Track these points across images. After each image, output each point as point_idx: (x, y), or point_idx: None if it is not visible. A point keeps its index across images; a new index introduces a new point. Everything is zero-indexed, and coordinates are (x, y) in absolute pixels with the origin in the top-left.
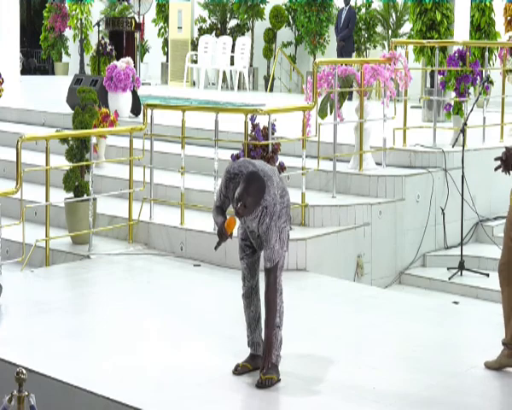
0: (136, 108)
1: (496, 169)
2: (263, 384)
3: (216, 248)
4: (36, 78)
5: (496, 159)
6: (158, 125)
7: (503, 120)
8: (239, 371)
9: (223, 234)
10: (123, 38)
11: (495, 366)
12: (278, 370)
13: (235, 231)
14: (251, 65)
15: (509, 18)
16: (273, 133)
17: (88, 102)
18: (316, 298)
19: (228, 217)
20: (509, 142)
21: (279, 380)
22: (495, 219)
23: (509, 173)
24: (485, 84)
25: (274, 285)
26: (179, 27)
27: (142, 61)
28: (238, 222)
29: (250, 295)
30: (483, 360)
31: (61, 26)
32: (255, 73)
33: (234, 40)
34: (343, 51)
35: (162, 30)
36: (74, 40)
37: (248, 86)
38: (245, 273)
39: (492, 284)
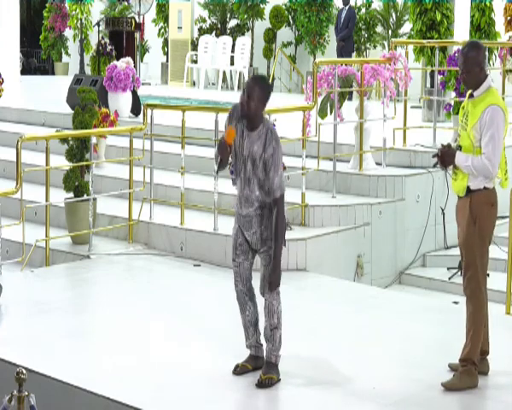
0: (136, 108)
1: (434, 166)
2: (263, 384)
3: (218, 170)
4: (36, 78)
5: (433, 156)
6: (158, 125)
7: None
8: (238, 371)
9: (223, 146)
10: (123, 38)
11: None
12: (278, 370)
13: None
14: (251, 65)
15: (509, 18)
16: None
17: (88, 102)
18: (316, 298)
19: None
20: (508, 142)
21: (279, 380)
22: None
23: (446, 170)
24: None
25: (282, 214)
26: (179, 27)
27: (142, 61)
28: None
29: (243, 299)
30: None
31: (61, 26)
32: (255, 73)
33: (234, 40)
34: (343, 51)
35: (162, 30)
36: (74, 40)
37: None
38: (236, 277)
39: (492, 284)
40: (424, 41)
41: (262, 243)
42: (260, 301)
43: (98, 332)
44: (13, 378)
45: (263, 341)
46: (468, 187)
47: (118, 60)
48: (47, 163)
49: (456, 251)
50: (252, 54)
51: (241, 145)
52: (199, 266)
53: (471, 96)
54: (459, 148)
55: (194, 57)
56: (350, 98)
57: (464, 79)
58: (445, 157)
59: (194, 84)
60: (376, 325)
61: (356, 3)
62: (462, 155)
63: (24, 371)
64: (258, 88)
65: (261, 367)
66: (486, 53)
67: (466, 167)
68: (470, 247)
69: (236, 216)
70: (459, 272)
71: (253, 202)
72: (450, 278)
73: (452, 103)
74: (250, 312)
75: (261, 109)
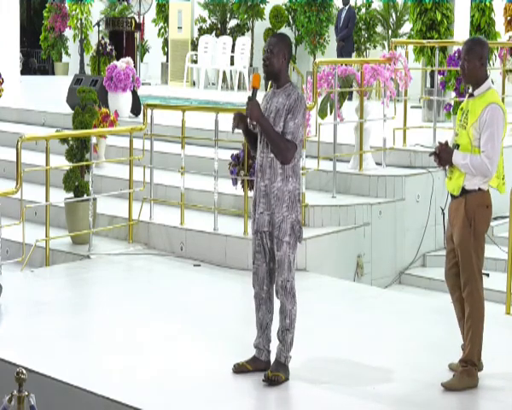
0: (136, 108)
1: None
2: (269, 379)
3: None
4: (36, 78)
5: (430, 155)
6: (158, 126)
7: None
8: (236, 368)
9: (251, 95)
10: (123, 38)
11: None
12: (287, 370)
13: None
14: (251, 65)
15: (508, 18)
16: None
17: (88, 102)
18: (316, 298)
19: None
20: (509, 142)
21: (287, 379)
22: (495, 219)
23: (444, 168)
24: None
25: (286, 145)
26: (179, 27)
27: (142, 61)
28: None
29: (258, 300)
30: (483, 360)
31: (61, 26)
32: (255, 72)
33: (234, 40)
34: (343, 51)
35: (162, 30)
36: (74, 40)
37: (248, 86)
38: (253, 277)
39: (492, 284)
40: (424, 41)
41: (272, 225)
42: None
43: (98, 332)
44: (13, 378)
45: (271, 347)
46: (462, 187)
47: (118, 60)
48: (47, 163)
49: None
50: (252, 54)
51: (269, 108)
52: (199, 266)
53: (471, 95)
54: (456, 146)
55: (194, 57)
56: (350, 98)
57: (463, 70)
58: (443, 155)
59: (194, 84)
60: (376, 324)
61: (356, 3)
62: (460, 154)
63: (24, 371)
64: (278, 41)
65: (261, 370)
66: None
67: (464, 166)
68: (466, 248)
69: (252, 213)
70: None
71: (265, 171)
72: None
73: (452, 103)
74: (262, 314)
75: (285, 65)
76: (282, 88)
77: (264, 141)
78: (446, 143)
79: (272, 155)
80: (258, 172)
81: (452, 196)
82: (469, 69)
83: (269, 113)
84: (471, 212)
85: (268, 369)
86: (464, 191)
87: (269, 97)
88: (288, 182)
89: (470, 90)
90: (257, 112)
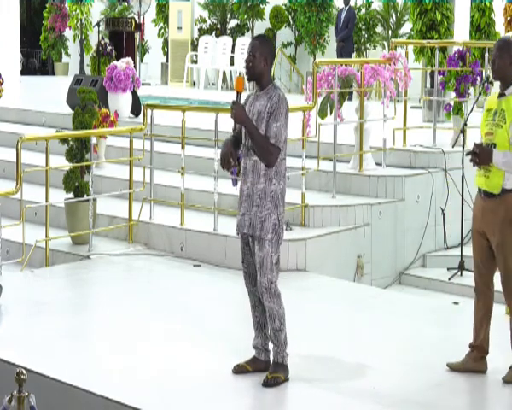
0: (136, 109)
1: (474, 164)
2: (268, 383)
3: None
4: (36, 78)
5: (467, 154)
6: (158, 126)
7: None
8: (236, 369)
9: (235, 99)
10: (123, 38)
11: (459, 369)
12: (287, 369)
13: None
14: None
15: (508, 18)
16: None
17: (88, 102)
18: (316, 298)
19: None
20: None
21: (287, 380)
22: None
23: (480, 168)
24: (486, 84)
25: (275, 154)
26: (179, 28)
27: (142, 61)
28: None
29: (253, 299)
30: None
31: (61, 26)
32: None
33: (234, 40)
34: (343, 51)
35: (162, 30)
36: (74, 40)
37: (248, 87)
38: (245, 277)
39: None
40: (424, 41)
41: (253, 228)
42: None
43: (98, 332)
44: (13, 379)
45: (269, 346)
46: (502, 186)
47: (118, 60)
48: (47, 163)
49: (457, 251)
50: None
51: (252, 110)
52: (199, 266)
53: (501, 94)
54: (493, 146)
55: (194, 57)
56: (350, 98)
57: (493, 65)
58: (482, 155)
59: (194, 84)
60: (376, 325)
61: (356, 4)
62: (500, 152)
63: (24, 372)
64: (260, 44)
65: (261, 370)
66: (486, 53)
67: (505, 163)
68: (508, 246)
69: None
70: (459, 273)
71: (248, 175)
72: (450, 279)
73: (452, 104)
74: (258, 313)
75: (267, 68)
76: (264, 90)
77: (248, 144)
78: (481, 143)
79: (255, 158)
80: (242, 175)
81: (487, 195)
82: (499, 66)
83: (251, 116)
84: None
85: (268, 369)
86: (504, 191)
87: (251, 100)
88: (270, 183)
89: (500, 90)
90: (242, 114)
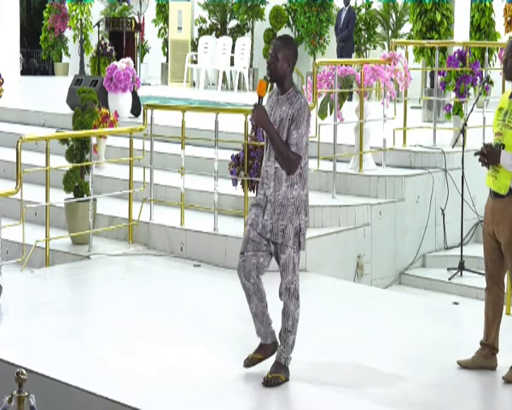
0: (136, 109)
1: (482, 164)
2: (268, 383)
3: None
4: (36, 78)
5: (475, 154)
6: (158, 126)
7: None
8: (247, 363)
9: (257, 102)
10: (123, 38)
11: (470, 366)
12: (287, 371)
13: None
14: (251, 65)
15: (508, 18)
16: None
17: (88, 102)
18: (316, 298)
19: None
20: None
21: (287, 380)
22: None
23: (488, 168)
24: (485, 84)
25: (292, 158)
26: (179, 28)
27: (142, 61)
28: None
29: (247, 291)
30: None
31: (61, 26)
32: (255, 73)
33: (234, 41)
34: (343, 52)
35: (162, 30)
36: (74, 41)
37: (248, 87)
38: (238, 269)
39: None
40: (424, 41)
41: (275, 235)
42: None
43: (98, 332)
44: (13, 379)
45: (273, 327)
46: (510, 187)
47: (118, 60)
48: (47, 163)
49: (457, 251)
50: (252, 54)
51: (273, 116)
52: (198, 266)
53: None
54: (502, 146)
55: (194, 58)
56: (350, 99)
57: (506, 65)
58: (491, 156)
59: (194, 84)
60: (376, 325)
61: (356, 4)
62: (508, 153)
63: (24, 372)
64: (283, 45)
65: (271, 354)
66: (486, 53)
67: None
68: None
69: (253, 206)
70: (459, 273)
71: (270, 180)
72: (450, 279)
73: (452, 104)
74: (254, 305)
75: (289, 70)
76: (285, 94)
77: (270, 149)
78: (490, 144)
79: (277, 165)
80: (265, 179)
81: (496, 195)
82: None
83: (272, 121)
84: None
85: (276, 349)
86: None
87: (272, 104)
88: (292, 188)
89: (511, 91)
90: (263, 118)
